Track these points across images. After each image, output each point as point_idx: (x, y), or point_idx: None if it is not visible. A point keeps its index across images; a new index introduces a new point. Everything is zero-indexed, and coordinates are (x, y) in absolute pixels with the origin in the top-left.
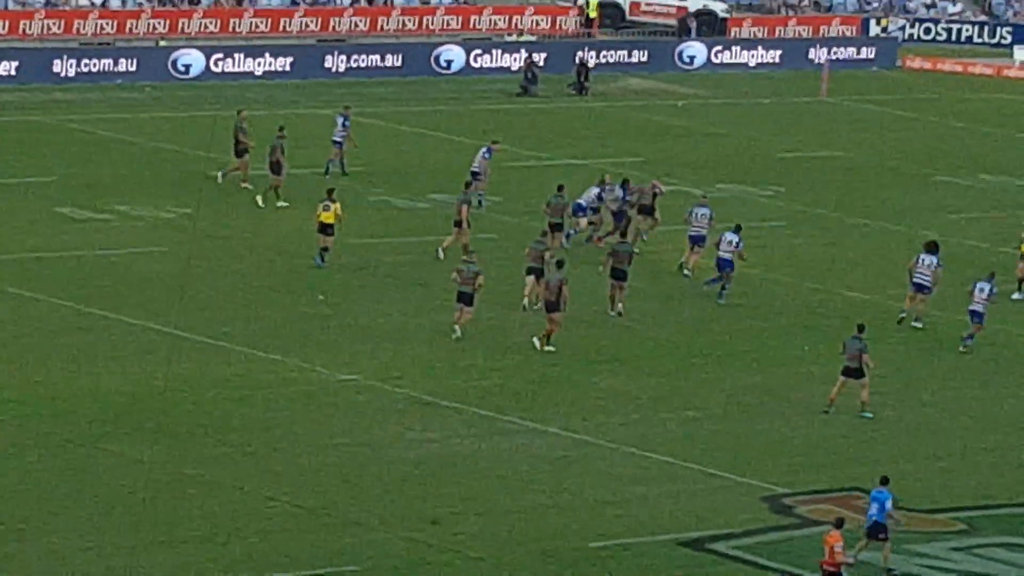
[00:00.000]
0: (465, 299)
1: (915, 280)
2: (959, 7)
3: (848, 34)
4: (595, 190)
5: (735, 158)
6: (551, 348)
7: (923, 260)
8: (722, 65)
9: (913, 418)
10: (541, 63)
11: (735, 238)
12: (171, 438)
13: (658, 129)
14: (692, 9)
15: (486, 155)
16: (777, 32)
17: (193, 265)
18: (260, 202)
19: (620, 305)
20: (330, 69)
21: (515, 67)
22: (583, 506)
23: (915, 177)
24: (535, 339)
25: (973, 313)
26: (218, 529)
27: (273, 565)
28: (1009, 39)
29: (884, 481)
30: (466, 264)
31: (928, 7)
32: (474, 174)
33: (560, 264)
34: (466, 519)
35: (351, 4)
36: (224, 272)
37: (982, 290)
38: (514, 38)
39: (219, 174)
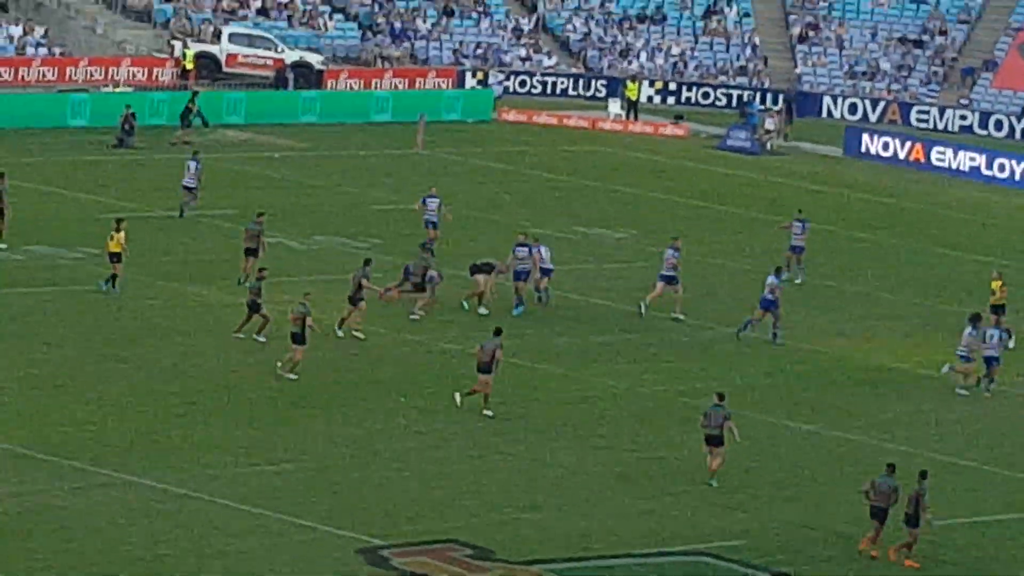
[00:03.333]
0: (297, 339)
1: (663, 273)
2: (554, 60)
3: (444, 87)
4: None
5: (331, 210)
6: (489, 412)
7: (668, 253)
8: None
9: (509, 469)
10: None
11: (775, 281)
12: None
13: (255, 181)
14: (289, 61)
15: (433, 200)
16: (373, 84)
17: None
18: None
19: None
20: None
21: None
22: (178, 559)
23: (511, 228)
24: (456, 394)
25: (987, 359)
26: None
27: None
28: (604, 92)
29: None
30: (300, 304)
31: (523, 60)
32: (431, 223)
33: (498, 331)
34: (60, 574)
35: None
36: None
37: (991, 336)
38: (111, 89)
39: None
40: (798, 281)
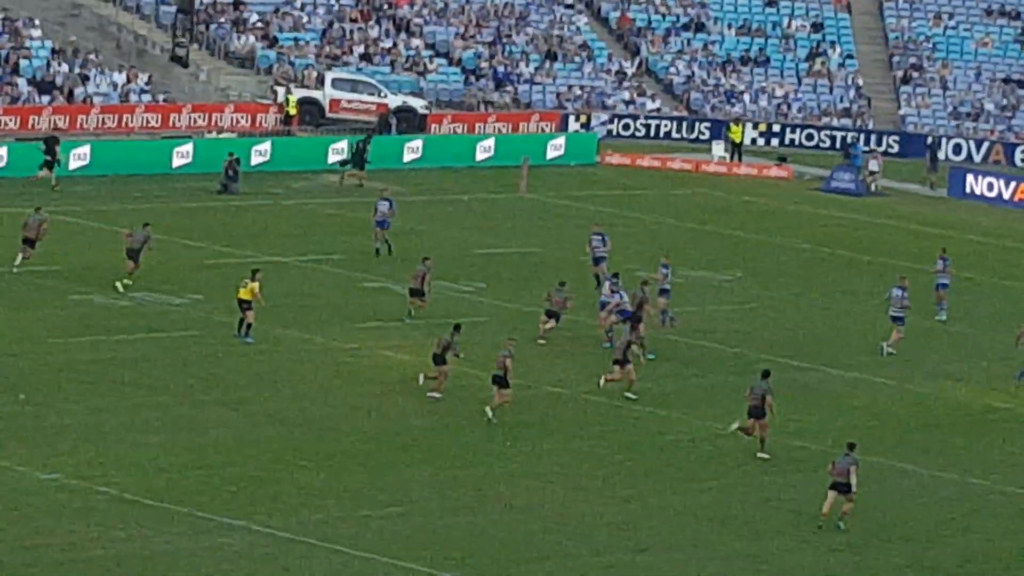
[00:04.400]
0: (499, 381)
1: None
2: (658, 103)
3: (547, 130)
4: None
5: (435, 254)
6: (765, 455)
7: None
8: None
9: (614, 512)
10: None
11: None
12: None
13: (356, 226)
14: (392, 106)
15: (596, 237)
16: (476, 128)
17: None
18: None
19: None
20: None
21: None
22: None
23: (614, 272)
24: (733, 424)
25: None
26: None
27: None
28: (707, 134)
29: None
30: (505, 348)
31: (627, 103)
32: (598, 259)
33: (766, 374)
34: None
35: (50, 103)
36: None
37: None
38: (214, 136)
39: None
40: (941, 319)
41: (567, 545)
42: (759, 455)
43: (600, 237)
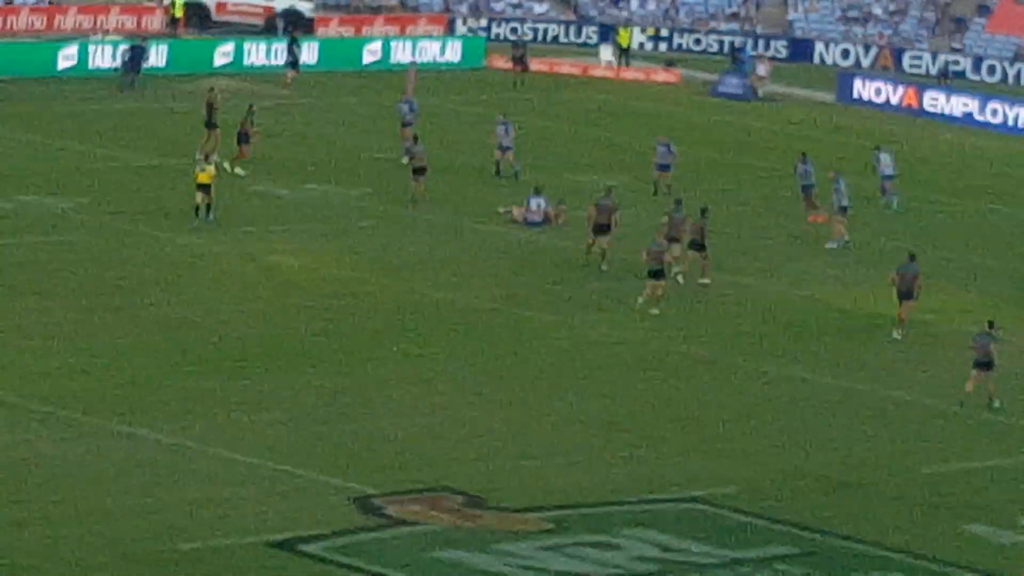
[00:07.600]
0: (655, 275)
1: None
2: (545, 7)
3: (435, 33)
4: None
5: (322, 158)
6: (898, 336)
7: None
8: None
9: (501, 417)
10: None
11: None
12: None
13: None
14: (279, 9)
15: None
16: (363, 31)
17: None
18: (228, 167)
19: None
20: None
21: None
22: (172, 508)
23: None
24: (895, 331)
25: None
26: None
27: None
28: (595, 39)
29: None
30: (654, 242)
31: (514, 7)
32: (502, 146)
33: (913, 257)
34: (54, 523)
35: None
36: None
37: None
38: (100, 38)
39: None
40: (895, 208)
41: (453, 451)
42: (894, 335)
43: (504, 126)
